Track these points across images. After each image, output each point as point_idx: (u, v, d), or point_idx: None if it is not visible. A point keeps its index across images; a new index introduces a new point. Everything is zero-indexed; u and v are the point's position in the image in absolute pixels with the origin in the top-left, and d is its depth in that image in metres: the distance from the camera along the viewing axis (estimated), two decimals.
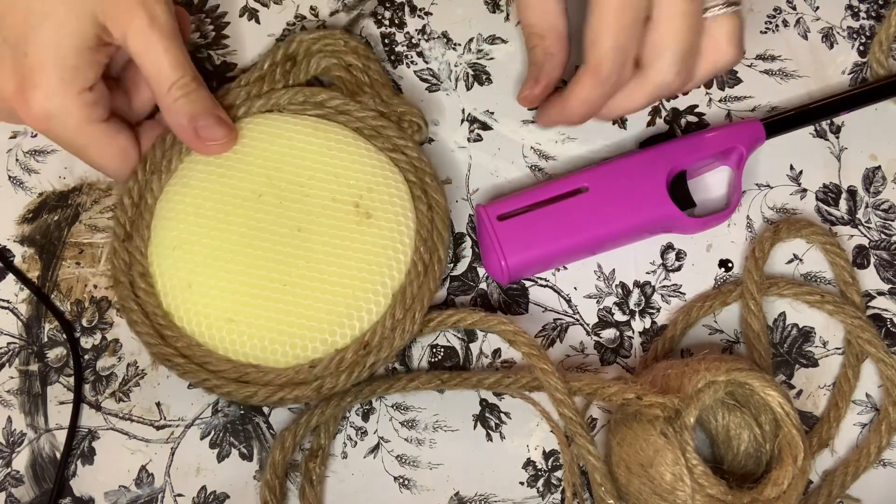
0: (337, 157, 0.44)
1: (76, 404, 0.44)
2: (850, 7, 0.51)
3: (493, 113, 0.49)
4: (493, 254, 0.44)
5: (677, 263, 0.47)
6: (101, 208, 0.47)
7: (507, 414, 0.45)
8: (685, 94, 0.48)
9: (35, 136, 0.48)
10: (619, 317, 0.46)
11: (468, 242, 0.47)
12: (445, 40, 0.49)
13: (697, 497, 0.38)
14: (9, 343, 0.45)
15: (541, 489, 0.44)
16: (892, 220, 0.48)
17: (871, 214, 0.48)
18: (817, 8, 0.51)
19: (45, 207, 0.47)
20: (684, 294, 0.47)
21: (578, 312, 0.46)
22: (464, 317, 0.43)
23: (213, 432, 0.44)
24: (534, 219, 0.44)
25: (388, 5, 0.50)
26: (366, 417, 0.45)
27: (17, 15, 0.39)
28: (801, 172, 0.48)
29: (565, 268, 0.47)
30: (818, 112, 0.48)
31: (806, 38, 0.50)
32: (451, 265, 0.47)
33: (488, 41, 0.50)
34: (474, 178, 0.48)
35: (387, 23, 0.49)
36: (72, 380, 0.45)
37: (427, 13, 0.50)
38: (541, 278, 0.47)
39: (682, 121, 0.49)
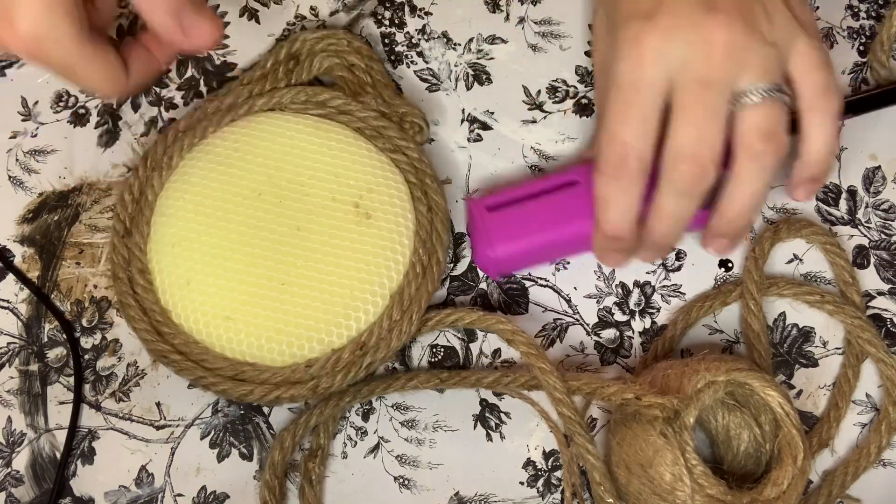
0: (338, 156, 0.44)
1: (76, 404, 0.44)
2: (850, 7, 0.51)
3: (493, 113, 0.49)
4: (483, 245, 0.44)
5: (677, 263, 0.47)
6: (101, 208, 0.47)
7: (507, 414, 0.45)
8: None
9: (35, 136, 0.48)
10: (619, 317, 0.46)
11: (468, 242, 0.47)
12: (445, 40, 0.49)
13: (697, 497, 0.38)
14: (9, 343, 0.45)
15: (541, 489, 0.44)
16: (892, 220, 0.48)
17: (871, 214, 0.48)
18: (817, 8, 0.51)
19: (45, 207, 0.47)
20: (684, 294, 0.47)
21: (578, 312, 0.46)
22: (462, 316, 0.43)
23: (213, 432, 0.44)
24: (523, 211, 0.44)
25: (388, 5, 0.50)
26: (366, 417, 0.45)
27: None
28: None
29: (565, 267, 0.47)
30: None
31: None
32: (451, 265, 0.47)
33: (488, 41, 0.50)
34: (474, 178, 0.48)
35: (387, 23, 0.49)
36: (72, 380, 0.45)
37: (427, 13, 0.50)
38: (541, 278, 0.47)
39: None
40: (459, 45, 0.49)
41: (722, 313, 0.47)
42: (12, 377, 0.45)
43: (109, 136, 0.48)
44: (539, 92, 0.49)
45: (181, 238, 0.43)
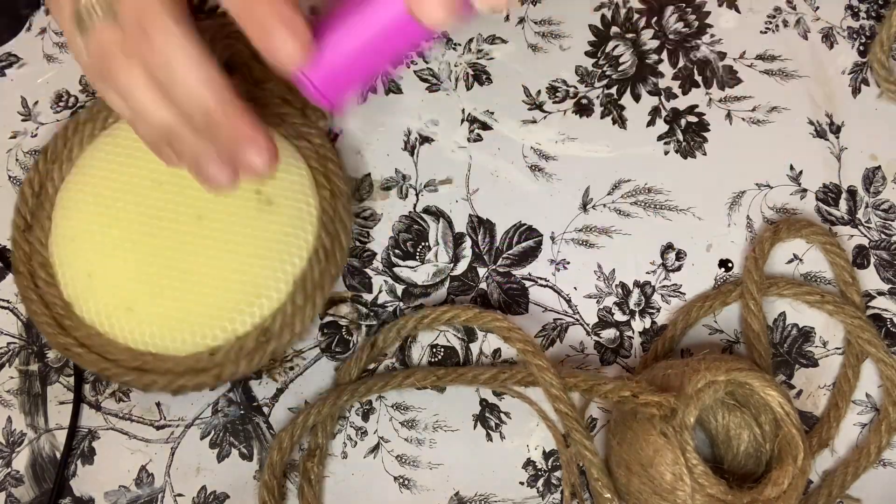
0: None
1: (76, 404, 0.44)
2: (850, 7, 0.51)
3: (493, 113, 0.49)
4: (301, 79, 0.36)
5: (677, 263, 0.47)
6: None
7: (507, 414, 0.45)
8: None
9: (35, 136, 0.48)
10: (619, 317, 0.46)
11: (468, 242, 0.47)
12: (445, 40, 0.49)
13: (697, 497, 0.38)
14: (9, 343, 0.45)
15: (541, 489, 0.44)
16: (892, 220, 0.48)
17: (871, 214, 0.48)
18: (817, 8, 0.51)
19: None
20: (684, 294, 0.47)
21: (578, 312, 0.46)
22: (458, 314, 0.43)
23: (213, 432, 0.44)
24: (325, 25, 0.36)
25: None
26: (365, 417, 0.45)
27: None
28: (801, 172, 0.48)
29: (565, 267, 0.47)
30: None
31: (806, 38, 0.50)
32: (452, 265, 0.47)
33: (488, 41, 0.50)
34: (474, 178, 0.48)
35: None
36: (72, 380, 0.45)
37: None
38: (540, 278, 0.47)
39: (682, 121, 0.49)
40: (459, 45, 0.50)
41: (722, 313, 0.47)
42: (12, 377, 0.45)
43: None
44: (539, 92, 0.49)
45: (81, 231, 0.43)
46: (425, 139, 0.48)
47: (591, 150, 0.48)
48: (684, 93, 0.49)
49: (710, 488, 0.38)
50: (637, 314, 0.46)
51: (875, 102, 0.49)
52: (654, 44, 0.50)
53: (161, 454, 0.44)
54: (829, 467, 0.45)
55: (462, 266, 0.47)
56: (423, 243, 0.47)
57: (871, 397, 0.46)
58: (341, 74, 0.38)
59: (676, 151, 0.48)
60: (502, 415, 0.45)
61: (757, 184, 0.48)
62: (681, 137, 0.49)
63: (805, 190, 0.48)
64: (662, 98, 0.49)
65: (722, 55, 0.50)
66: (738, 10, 0.51)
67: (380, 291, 0.46)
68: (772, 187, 0.48)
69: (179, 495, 0.44)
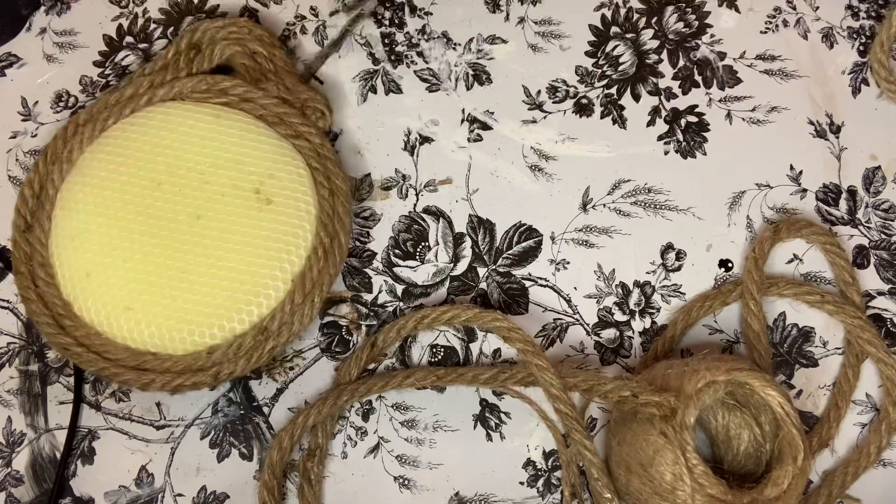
0: (238, 144, 0.45)
1: (76, 404, 0.44)
2: (850, 7, 0.51)
3: (493, 113, 0.49)
4: None
5: (677, 263, 0.47)
6: None
7: (507, 414, 0.45)
8: None
9: (35, 136, 0.48)
10: (619, 317, 0.46)
11: (468, 242, 0.47)
12: (445, 40, 0.49)
13: (697, 497, 0.38)
14: (9, 343, 0.45)
15: (541, 489, 0.44)
16: (892, 220, 0.48)
17: (871, 214, 0.48)
18: (817, 8, 0.51)
19: None
20: (684, 294, 0.47)
21: (578, 312, 0.46)
22: (458, 313, 0.43)
23: (213, 432, 0.44)
24: None
25: (388, 5, 0.50)
26: (366, 417, 0.45)
27: None
28: (801, 172, 0.48)
29: (565, 267, 0.47)
30: None
31: (806, 38, 0.50)
32: (452, 265, 0.47)
33: (488, 41, 0.50)
34: (474, 178, 0.48)
35: (387, 23, 0.50)
36: (72, 380, 0.45)
37: (427, 13, 0.50)
38: (541, 278, 0.47)
39: (682, 121, 0.49)
40: (459, 45, 0.50)
41: (722, 313, 0.47)
42: (12, 377, 0.45)
43: None
44: (539, 92, 0.49)
45: (81, 230, 0.43)
46: (425, 139, 0.48)
47: (591, 150, 0.48)
48: (684, 93, 0.49)
49: (710, 488, 0.38)
50: (637, 314, 0.46)
51: (875, 102, 0.49)
52: (654, 44, 0.50)
53: (161, 454, 0.44)
54: (829, 467, 0.45)
55: (462, 266, 0.47)
56: (423, 243, 0.47)
57: (871, 397, 0.46)
58: None
59: (676, 151, 0.48)
60: (502, 415, 0.45)
61: (757, 184, 0.48)
62: (681, 137, 0.49)
63: (805, 190, 0.48)
64: (662, 98, 0.49)
65: (722, 55, 0.50)
66: (738, 10, 0.51)
67: (380, 291, 0.46)
68: (772, 187, 0.48)
69: (179, 495, 0.44)
